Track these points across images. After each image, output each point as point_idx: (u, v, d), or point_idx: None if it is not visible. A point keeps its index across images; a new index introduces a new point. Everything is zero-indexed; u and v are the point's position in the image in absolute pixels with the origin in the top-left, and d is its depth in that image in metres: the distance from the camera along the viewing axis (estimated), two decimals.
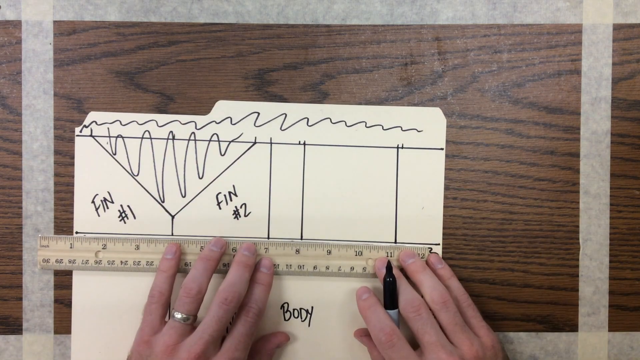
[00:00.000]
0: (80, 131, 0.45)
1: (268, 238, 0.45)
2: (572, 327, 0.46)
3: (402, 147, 0.45)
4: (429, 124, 0.45)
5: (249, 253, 0.43)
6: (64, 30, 0.45)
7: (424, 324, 0.40)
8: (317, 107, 0.45)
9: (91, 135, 0.45)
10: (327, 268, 0.44)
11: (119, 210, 0.45)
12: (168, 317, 0.43)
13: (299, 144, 0.45)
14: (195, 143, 0.45)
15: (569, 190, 0.46)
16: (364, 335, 0.44)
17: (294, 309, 0.45)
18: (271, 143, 0.45)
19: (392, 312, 0.41)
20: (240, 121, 0.45)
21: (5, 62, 0.45)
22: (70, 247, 0.44)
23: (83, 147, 0.45)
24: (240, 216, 0.45)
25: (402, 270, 0.44)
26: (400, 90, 0.45)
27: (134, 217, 0.45)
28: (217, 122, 0.45)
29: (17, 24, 0.45)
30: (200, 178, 0.45)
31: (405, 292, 0.42)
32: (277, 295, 0.45)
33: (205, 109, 0.45)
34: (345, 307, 0.45)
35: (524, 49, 0.45)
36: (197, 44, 0.45)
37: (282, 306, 0.45)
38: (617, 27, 0.45)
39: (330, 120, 0.45)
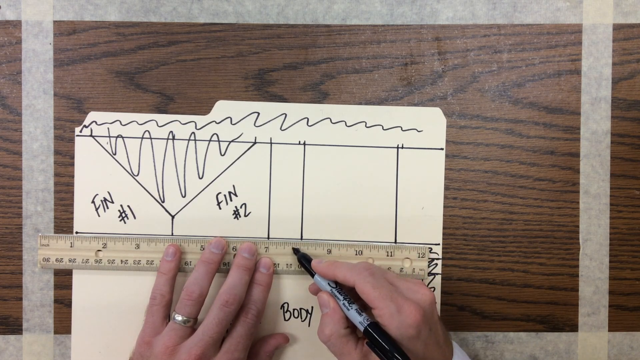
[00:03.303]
0: (80, 131, 0.45)
1: (268, 238, 0.45)
2: (572, 327, 0.46)
3: (402, 147, 0.45)
4: (429, 124, 0.45)
5: (249, 255, 0.43)
6: (64, 30, 0.45)
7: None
8: (317, 107, 0.45)
9: (91, 135, 0.45)
10: None
11: (119, 210, 0.45)
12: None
13: (299, 144, 0.45)
14: (195, 143, 0.45)
15: (569, 190, 0.46)
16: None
17: (294, 309, 0.45)
18: (271, 143, 0.45)
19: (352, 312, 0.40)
20: (240, 121, 0.45)
21: (5, 62, 0.45)
22: (71, 246, 0.44)
23: (83, 147, 0.45)
24: (240, 216, 0.45)
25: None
26: (400, 90, 0.45)
27: (134, 217, 0.45)
28: (217, 122, 0.45)
29: (17, 24, 0.45)
30: (200, 178, 0.45)
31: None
32: (277, 295, 0.45)
33: (205, 109, 0.45)
34: None
35: (524, 49, 0.45)
36: (197, 44, 0.45)
37: (282, 306, 0.45)
38: (617, 27, 0.45)
39: (330, 120, 0.45)
